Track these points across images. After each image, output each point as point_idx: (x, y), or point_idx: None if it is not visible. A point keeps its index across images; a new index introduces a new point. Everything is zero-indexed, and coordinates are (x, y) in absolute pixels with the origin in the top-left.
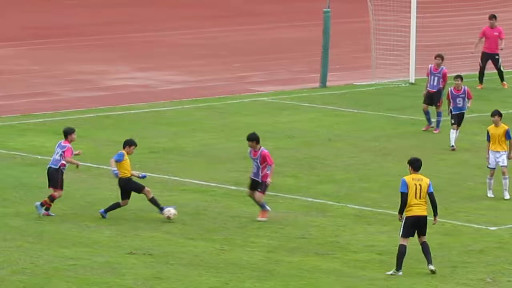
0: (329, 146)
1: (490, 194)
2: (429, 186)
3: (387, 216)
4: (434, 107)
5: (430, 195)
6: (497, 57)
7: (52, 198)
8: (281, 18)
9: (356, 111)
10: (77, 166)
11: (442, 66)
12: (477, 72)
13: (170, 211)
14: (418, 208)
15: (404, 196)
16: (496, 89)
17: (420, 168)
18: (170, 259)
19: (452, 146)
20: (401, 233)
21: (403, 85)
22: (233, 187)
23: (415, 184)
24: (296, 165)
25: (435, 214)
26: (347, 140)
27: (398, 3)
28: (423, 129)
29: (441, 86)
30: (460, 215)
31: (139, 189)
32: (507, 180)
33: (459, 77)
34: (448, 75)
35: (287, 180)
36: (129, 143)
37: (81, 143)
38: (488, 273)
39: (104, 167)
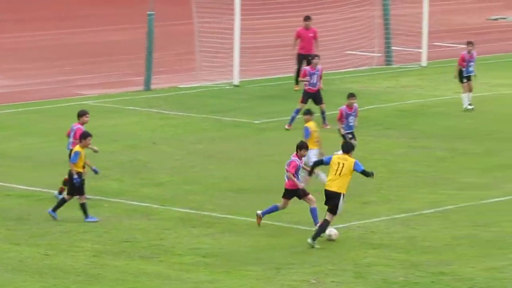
0: (154, 149)
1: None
2: (354, 164)
3: (212, 219)
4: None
5: (362, 174)
6: (310, 58)
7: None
8: (108, 20)
9: (180, 113)
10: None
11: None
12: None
13: None
14: (332, 183)
15: (318, 162)
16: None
17: (347, 151)
18: None
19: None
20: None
21: (227, 87)
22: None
23: (339, 163)
24: (120, 168)
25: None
26: (171, 143)
27: (222, 6)
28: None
29: (320, 85)
30: (284, 216)
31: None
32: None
33: (353, 96)
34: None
35: (112, 183)
36: (84, 136)
37: None
38: (312, 274)
39: None
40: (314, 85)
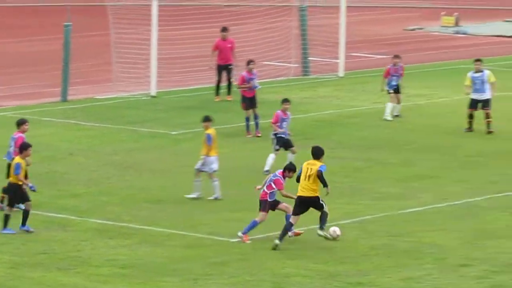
0: (71, 161)
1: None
2: (320, 167)
3: (129, 230)
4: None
5: (319, 177)
6: (230, 67)
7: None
8: (24, 31)
9: (97, 124)
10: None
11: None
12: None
13: None
14: (303, 189)
15: (297, 178)
16: (237, 101)
17: (317, 156)
18: None
19: (267, 170)
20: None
21: (144, 98)
22: None
23: (307, 168)
24: (37, 180)
25: (325, 186)
26: (88, 154)
27: (139, 17)
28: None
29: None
30: (202, 228)
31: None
32: (216, 183)
33: (287, 101)
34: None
35: (29, 195)
36: (24, 147)
37: None
38: (230, 285)
39: None
40: (252, 89)
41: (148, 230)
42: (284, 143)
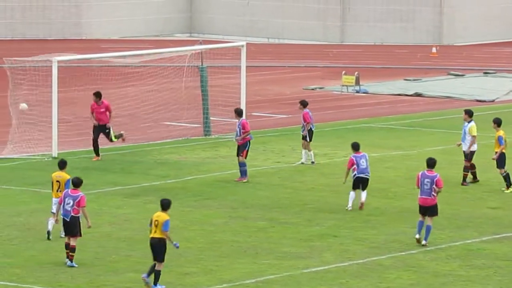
0: None
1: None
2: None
3: None
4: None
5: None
6: (107, 130)
7: None
8: None
9: None
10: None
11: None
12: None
13: None
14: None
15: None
16: (138, 162)
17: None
18: None
19: None
20: None
21: (45, 159)
22: None
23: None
24: None
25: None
26: None
27: (38, 78)
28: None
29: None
30: None
31: None
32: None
33: None
34: None
35: None
36: None
37: None
38: None
39: None
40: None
41: None
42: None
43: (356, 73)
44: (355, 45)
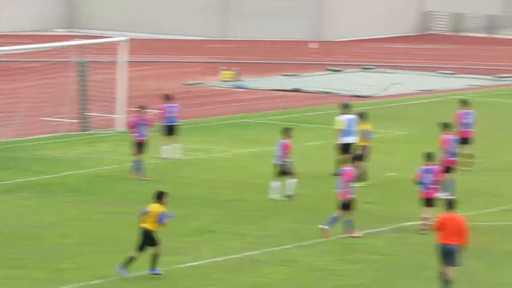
0: None
1: None
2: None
3: None
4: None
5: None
6: None
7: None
8: None
9: None
10: None
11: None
12: None
13: None
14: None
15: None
16: (14, 157)
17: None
18: None
19: None
20: None
21: None
22: None
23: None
24: None
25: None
26: None
27: None
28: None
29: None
30: None
31: None
32: None
33: None
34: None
35: None
36: None
37: None
38: None
39: None
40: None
41: None
42: None
43: (235, 68)
44: (237, 41)
